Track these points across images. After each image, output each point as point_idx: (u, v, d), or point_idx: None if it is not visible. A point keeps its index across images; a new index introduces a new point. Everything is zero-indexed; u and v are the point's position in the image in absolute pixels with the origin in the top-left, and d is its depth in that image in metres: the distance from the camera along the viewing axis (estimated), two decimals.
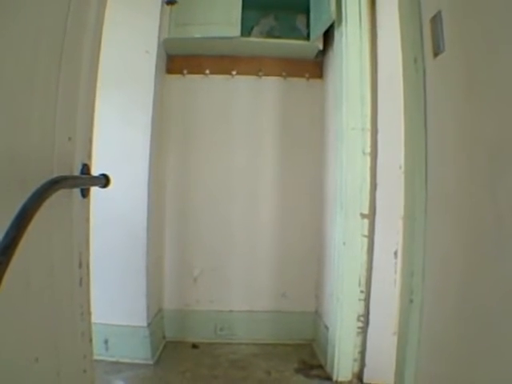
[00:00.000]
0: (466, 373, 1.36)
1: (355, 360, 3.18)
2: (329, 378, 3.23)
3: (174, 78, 3.95)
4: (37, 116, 1.20)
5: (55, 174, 1.23)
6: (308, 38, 3.91)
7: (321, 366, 3.44)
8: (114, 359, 3.30)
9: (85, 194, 1.49)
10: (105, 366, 3.20)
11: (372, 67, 3.13)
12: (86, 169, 1.49)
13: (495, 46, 1.23)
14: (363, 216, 3.13)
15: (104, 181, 1.51)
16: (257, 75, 3.97)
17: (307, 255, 4.02)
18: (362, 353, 3.16)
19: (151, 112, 3.40)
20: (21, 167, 1.10)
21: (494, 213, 1.21)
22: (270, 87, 4.02)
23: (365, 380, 3.11)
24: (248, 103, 4.03)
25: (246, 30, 4.02)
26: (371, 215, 3.12)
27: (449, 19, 1.48)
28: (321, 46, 3.74)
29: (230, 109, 4.02)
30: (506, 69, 1.19)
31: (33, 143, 1.17)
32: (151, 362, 3.38)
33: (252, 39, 3.97)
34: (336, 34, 3.33)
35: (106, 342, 3.32)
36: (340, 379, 3.16)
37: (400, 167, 2.86)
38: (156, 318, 3.67)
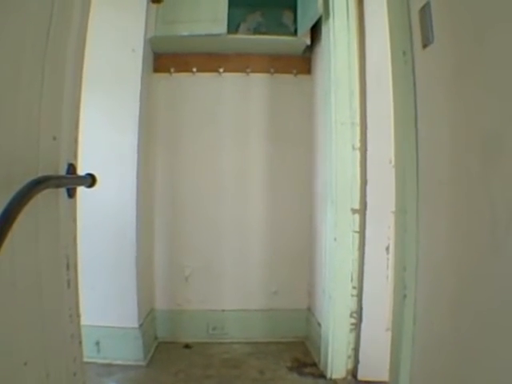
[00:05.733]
0: (461, 369, 1.35)
1: (349, 357, 3.17)
2: (322, 376, 3.21)
3: (161, 77, 3.93)
4: (21, 115, 1.18)
5: (40, 174, 1.21)
6: (295, 33, 3.91)
7: (314, 364, 3.43)
8: (105, 361, 3.28)
9: (71, 194, 1.47)
10: (97, 368, 3.18)
11: (360, 61, 3.12)
12: (71, 169, 1.47)
13: (484, 37, 1.22)
14: (354, 211, 3.12)
15: (90, 180, 1.49)
16: (244, 72, 3.95)
17: (298, 252, 4.01)
18: (356, 349, 3.15)
19: (138, 111, 3.38)
20: (5, 167, 1.08)
21: (488, 206, 1.20)
22: (257, 84, 4.01)
23: (359, 377, 3.10)
24: (236, 100, 4.01)
25: (233, 27, 4.01)
26: (362, 210, 3.11)
27: (437, 10, 1.47)
28: (308, 42, 3.72)
29: (217, 107, 4.00)
30: (495, 59, 1.17)
31: (17, 143, 1.16)
32: (143, 363, 3.36)
33: (239, 36, 3.95)
34: (323, 28, 3.32)
35: (97, 343, 3.30)
36: (334, 376, 3.15)
37: (390, 161, 2.86)
38: (147, 318, 3.65)
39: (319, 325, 3.48)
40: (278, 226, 4.02)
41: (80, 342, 1.58)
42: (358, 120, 3.11)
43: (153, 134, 3.88)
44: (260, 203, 4.01)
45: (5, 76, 1.11)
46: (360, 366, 3.11)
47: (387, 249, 3.04)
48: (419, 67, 1.65)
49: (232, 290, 3.99)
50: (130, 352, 3.33)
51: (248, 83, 3.99)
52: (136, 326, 3.37)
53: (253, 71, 3.96)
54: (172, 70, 3.91)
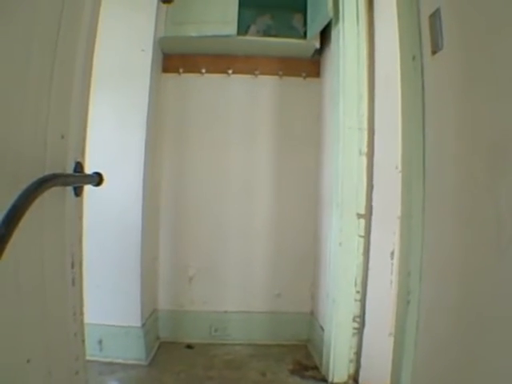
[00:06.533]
0: (463, 375, 1.35)
1: (351, 361, 3.16)
2: (324, 380, 3.21)
3: (170, 77, 3.93)
4: (29, 113, 1.18)
5: (47, 172, 1.21)
6: (305, 36, 3.90)
7: (316, 367, 3.43)
8: (108, 360, 3.29)
9: (78, 192, 1.47)
10: (99, 367, 3.18)
11: (369, 65, 3.11)
12: (79, 167, 1.47)
13: (494, 44, 1.22)
14: (359, 216, 3.11)
15: (97, 179, 1.49)
16: (253, 74, 3.95)
17: (303, 255, 4.01)
18: (358, 354, 3.14)
19: (146, 111, 3.39)
20: (12, 165, 1.08)
21: (493, 212, 1.20)
22: (266, 86, 4.01)
23: (360, 381, 3.09)
24: (244, 102, 4.01)
25: (243, 29, 4.02)
26: (367, 215, 3.10)
27: (448, 16, 1.47)
28: (318, 45, 3.72)
29: (225, 108, 4.00)
30: (505, 66, 1.17)
31: (25, 140, 1.16)
32: (145, 363, 3.36)
33: (248, 38, 3.96)
34: (333, 32, 3.32)
35: (99, 342, 3.30)
36: (335, 380, 3.14)
37: (396, 167, 2.86)
38: (150, 318, 3.65)
39: (322, 328, 3.47)
40: (282, 229, 4.02)
41: (83, 341, 1.58)
42: (365, 125, 3.11)
43: (160, 134, 3.88)
44: (265, 205, 4.01)
45: (14, 73, 1.11)
46: (362, 371, 3.10)
47: (392, 254, 3.04)
48: (428, 73, 1.65)
49: (235, 292, 3.99)
50: (132, 351, 3.34)
51: (256, 85, 3.99)
52: (139, 325, 3.37)
53: (261, 73, 3.96)
54: (181, 70, 3.91)
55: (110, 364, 3.26)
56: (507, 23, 1.17)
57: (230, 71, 3.93)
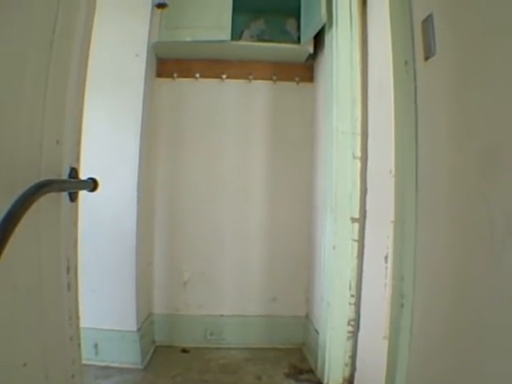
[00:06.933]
0: (457, 378, 1.35)
1: (346, 364, 3.16)
2: (319, 383, 3.21)
3: (164, 82, 3.94)
4: (24, 118, 1.18)
5: (43, 178, 1.22)
6: (298, 41, 3.91)
7: (311, 371, 3.43)
8: (103, 364, 3.29)
9: (73, 198, 1.48)
10: (94, 371, 3.18)
11: (363, 70, 3.12)
12: (74, 172, 1.47)
13: (487, 49, 1.23)
14: (353, 220, 3.12)
15: (92, 185, 1.50)
16: (247, 79, 3.96)
17: (297, 259, 4.01)
18: (353, 357, 3.15)
19: (141, 116, 3.39)
20: (7, 170, 1.09)
21: (486, 216, 1.21)
22: (260, 91, 4.02)
23: None
24: (238, 107, 4.02)
25: (237, 34, 4.03)
26: (361, 219, 3.11)
27: (440, 21, 1.48)
28: (311, 50, 3.73)
29: (219, 113, 4.01)
30: (497, 72, 1.18)
31: (20, 146, 1.16)
32: (141, 367, 3.36)
33: (242, 43, 3.97)
34: (326, 37, 3.33)
35: (95, 346, 3.30)
36: (331, 383, 3.15)
37: (390, 171, 2.86)
38: (146, 322, 3.65)
39: (317, 332, 3.48)
40: (277, 233, 4.02)
41: (79, 345, 1.58)
42: (359, 129, 3.11)
43: (155, 138, 3.88)
44: (260, 210, 4.01)
45: (8, 78, 1.12)
46: (357, 374, 3.10)
47: (386, 258, 3.04)
48: (421, 78, 1.66)
49: (230, 296, 3.99)
50: (127, 355, 3.34)
51: (250, 90, 4.00)
52: (134, 329, 3.38)
53: (255, 78, 3.97)
54: (175, 75, 3.92)
55: (106, 368, 3.26)
56: (500, 30, 1.18)
57: (224, 76, 3.94)
